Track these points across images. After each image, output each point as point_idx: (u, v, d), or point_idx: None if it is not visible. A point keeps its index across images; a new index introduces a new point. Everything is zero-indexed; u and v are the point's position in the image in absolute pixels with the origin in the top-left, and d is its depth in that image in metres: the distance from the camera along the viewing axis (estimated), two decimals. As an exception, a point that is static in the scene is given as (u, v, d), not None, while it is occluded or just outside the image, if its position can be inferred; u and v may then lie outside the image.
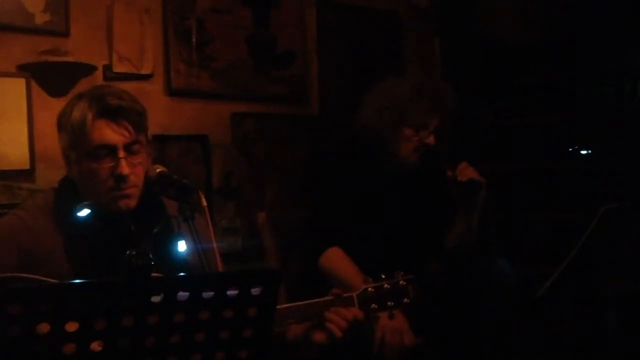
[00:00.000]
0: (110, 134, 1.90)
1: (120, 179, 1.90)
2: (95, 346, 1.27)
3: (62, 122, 1.96)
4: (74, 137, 1.92)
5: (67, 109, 1.95)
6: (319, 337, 2.02)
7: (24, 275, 1.73)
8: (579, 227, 2.48)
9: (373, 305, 2.08)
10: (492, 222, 2.81)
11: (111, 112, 1.91)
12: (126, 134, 1.91)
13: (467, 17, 4.49)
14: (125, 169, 1.89)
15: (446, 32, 4.57)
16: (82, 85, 3.08)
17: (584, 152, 4.02)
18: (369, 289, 2.08)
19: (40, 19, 3.08)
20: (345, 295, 2.07)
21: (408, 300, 2.11)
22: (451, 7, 4.52)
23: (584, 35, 4.02)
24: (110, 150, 1.90)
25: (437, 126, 2.69)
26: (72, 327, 1.24)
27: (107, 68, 3.26)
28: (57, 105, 2.34)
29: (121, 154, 1.90)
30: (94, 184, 1.91)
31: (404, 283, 2.10)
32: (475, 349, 2.60)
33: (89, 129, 1.89)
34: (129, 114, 1.92)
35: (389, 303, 2.10)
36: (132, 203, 1.93)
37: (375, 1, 4.35)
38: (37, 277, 1.73)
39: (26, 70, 3.03)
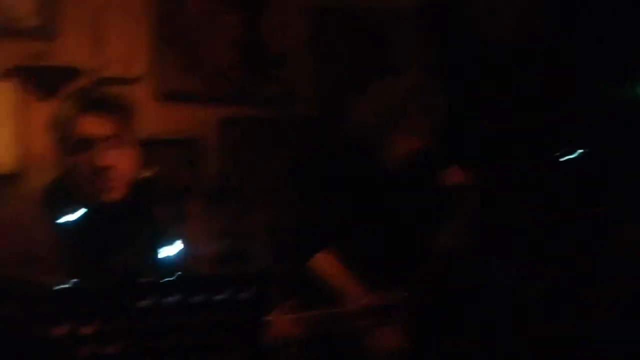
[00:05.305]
0: (90, 126, 1.93)
1: (101, 170, 1.91)
2: (87, 349, 1.28)
3: (51, 121, 2.02)
4: (59, 133, 1.98)
5: (56, 109, 2.03)
6: None
7: (20, 277, 1.73)
8: (577, 228, 2.48)
9: (370, 321, 2.09)
10: (489, 223, 2.81)
11: (92, 106, 1.95)
12: (107, 126, 1.93)
13: (465, 18, 4.48)
14: (105, 160, 1.92)
15: (443, 33, 4.56)
16: (70, 89, 3.07)
17: (581, 152, 4.02)
18: (368, 305, 2.09)
19: (28, 22, 3.07)
20: (344, 310, 2.07)
21: (404, 317, 2.12)
22: (448, 8, 4.52)
23: (583, 36, 4.02)
24: (91, 143, 1.93)
25: (431, 129, 2.69)
26: (63, 329, 1.27)
27: (96, 72, 3.23)
28: (45, 109, 2.35)
29: (101, 145, 1.93)
30: (77, 177, 1.94)
31: (402, 300, 2.12)
32: (471, 350, 2.59)
33: (71, 123, 1.94)
34: (110, 107, 1.96)
35: (385, 319, 2.11)
36: (116, 195, 1.94)
37: (371, 2, 4.33)
38: (31, 279, 1.72)
39: (13, 74, 3.02)
